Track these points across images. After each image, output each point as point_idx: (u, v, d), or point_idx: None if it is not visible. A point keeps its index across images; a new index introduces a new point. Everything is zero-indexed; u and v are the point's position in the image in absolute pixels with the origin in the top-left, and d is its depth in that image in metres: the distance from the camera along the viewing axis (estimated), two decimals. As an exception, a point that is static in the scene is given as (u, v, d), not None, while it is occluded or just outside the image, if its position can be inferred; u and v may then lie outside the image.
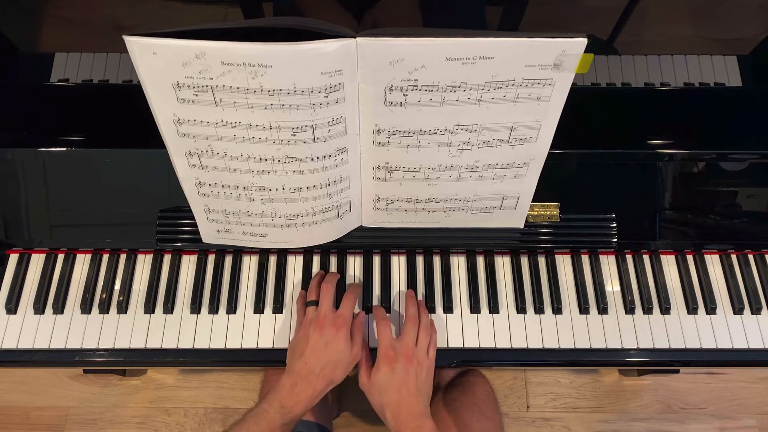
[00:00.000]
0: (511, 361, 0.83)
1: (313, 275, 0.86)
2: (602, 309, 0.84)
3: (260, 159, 0.69)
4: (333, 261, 0.88)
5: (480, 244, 0.87)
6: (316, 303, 0.77)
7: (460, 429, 0.91)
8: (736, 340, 0.83)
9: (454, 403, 0.96)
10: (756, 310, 0.85)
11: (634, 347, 0.83)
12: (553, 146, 0.70)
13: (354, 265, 0.88)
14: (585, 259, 0.88)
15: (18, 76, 0.91)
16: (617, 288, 0.86)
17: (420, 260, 0.88)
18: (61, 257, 0.87)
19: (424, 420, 0.71)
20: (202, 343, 0.82)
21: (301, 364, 0.72)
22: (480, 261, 0.88)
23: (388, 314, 0.84)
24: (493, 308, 0.84)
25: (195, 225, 0.81)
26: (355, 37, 0.58)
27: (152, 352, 0.82)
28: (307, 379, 0.72)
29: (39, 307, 0.84)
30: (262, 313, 0.84)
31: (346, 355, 0.74)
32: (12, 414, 1.41)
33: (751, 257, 0.89)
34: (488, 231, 0.85)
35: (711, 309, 0.85)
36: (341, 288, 0.84)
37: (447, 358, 0.83)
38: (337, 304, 0.78)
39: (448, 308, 0.84)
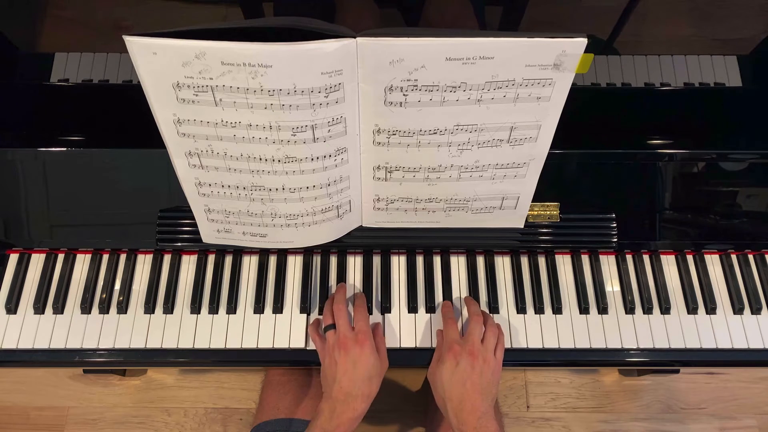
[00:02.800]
0: (511, 361, 0.83)
1: (312, 277, 0.86)
2: (602, 309, 0.84)
3: (260, 159, 0.69)
4: (333, 261, 0.88)
5: (480, 244, 0.87)
6: (332, 326, 0.77)
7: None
8: (736, 340, 0.83)
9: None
10: (756, 310, 0.85)
11: (634, 347, 0.83)
12: (553, 146, 0.70)
13: (354, 265, 0.88)
14: (585, 259, 0.88)
15: (18, 76, 0.91)
16: (617, 288, 0.86)
17: (420, 260, 0.88)
18: (61, 257, 0.87)
19: (487, 420, 0.70)
20: (202, 343, 0.82)
21: (337, 389, 0.72)
22: (480, 261, 0.88)
23: (388, 314, 0.84)
24: (493, 308, 0.84)
25: (195, 225, 0.81)
26: (355, 37, 0.58)
27: (152, 352, 0.82)
28: (346, 401, 0.71)
29: (39, 307, 0.84)
30: (262, 313, 0.84)
31: (377, 367, 0.74)
32: (12, 414, 1.41)
33: (751, 257, 0.89)
34: (488, 231, 0.85)
35: (711, 309, 0.85)
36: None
37: (447, 358, 0.83)
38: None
39: (448, 308, 0.84)
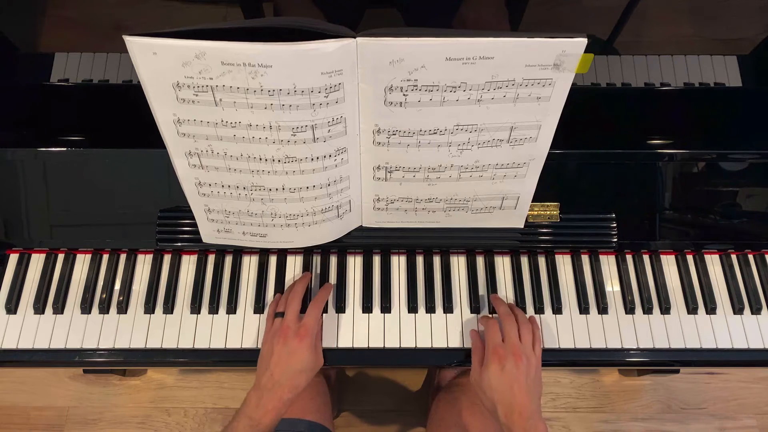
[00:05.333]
0: (511, 361, 0.83)
1: (312, 278, 0.86)
2: (602, 309, 0.84)
3: (260, 159, 0.69)
4: (333, 261, 0.88)
5: (480, 244, 0.87)
6: (283, 314, 0.77)
7: (461, 429, 0.91)
8: (736, 340, 0.83)
9: (456, 403, 0.96)
10: (756, 310, 0.85)
11: (634, 347, 0.83)
12: (553, 146, 0.70)
13: (354, 265, 0.87)
14: (585, 259, 0.88)
15: (18, 76, 0.91)
16: (617, 288, 0.86)
17: (420, 260, 0.88)
18: (61, 257, 0.87)
19: (536, 421, 0.70)
20: (202, 343, 0.82)
21: (267, 377, 0.73)
22: (480, 261, 0.88)
23: (388, 314, 0.84)
24: (494, 308, 0.84)
25: (195, 225, 0.81)
26: (355, 37, 0.58)
27: (152, 352, 0.82)
28: (273, 390, 0.73)
29: (39, 307, 0.84)
30: (262, 313, 0.84)
31: (310, 363, 0.75)
32: (12, 414, 1.41)
33: (751, 257, 0.89)
34: (488, 231, 0.85)
35: (711, 309, 0.85)
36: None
37: (447, 358, 0.83)
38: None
39: (448, 308, 0.84)
